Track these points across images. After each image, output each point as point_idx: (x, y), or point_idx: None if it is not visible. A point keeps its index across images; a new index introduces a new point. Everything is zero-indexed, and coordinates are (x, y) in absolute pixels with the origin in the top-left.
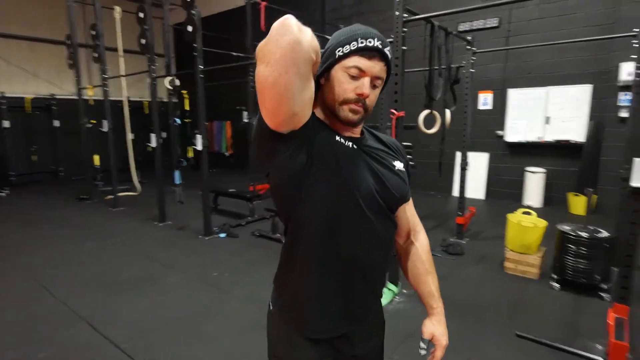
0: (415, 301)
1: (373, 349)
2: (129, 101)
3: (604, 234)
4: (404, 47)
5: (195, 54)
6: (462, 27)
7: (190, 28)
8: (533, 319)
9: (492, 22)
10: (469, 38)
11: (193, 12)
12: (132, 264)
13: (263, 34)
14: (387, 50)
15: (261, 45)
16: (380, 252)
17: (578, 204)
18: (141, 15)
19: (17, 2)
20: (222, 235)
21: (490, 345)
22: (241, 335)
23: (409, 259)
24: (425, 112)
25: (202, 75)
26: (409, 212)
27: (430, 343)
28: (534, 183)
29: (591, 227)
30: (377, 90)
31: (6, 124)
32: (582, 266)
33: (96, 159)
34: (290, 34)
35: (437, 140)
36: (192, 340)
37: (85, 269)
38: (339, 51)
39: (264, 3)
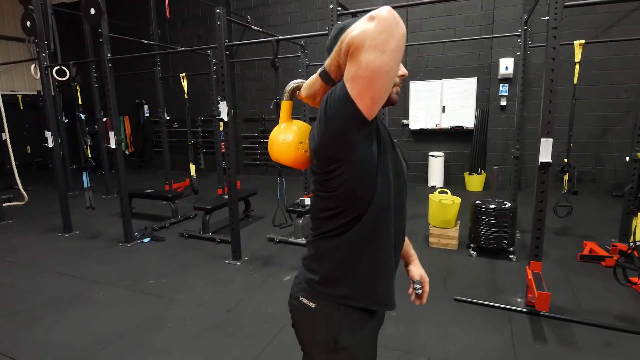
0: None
1: None
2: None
3: (508, 205)
4: None
5: (101, 40)
6: None
7: (93, 10)
8: (462, 284)
9: None
10: None
11: None
12: (44, 283)
13: (162, 23)
14: None
15: (367, 33)
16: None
17: (473, 182)
18: None
19: None
20: (146, 239)
21: (436, 311)
22: (199, 341)
23: None
24: None
25: (110, 65)
26: None
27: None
28: (436, 166)
29: (497, 200)
30: None
31: None
32: (492, 234)
33: None
34: (403, 27)
35: None
36: (147, 356)
37: None
38: None
39: None
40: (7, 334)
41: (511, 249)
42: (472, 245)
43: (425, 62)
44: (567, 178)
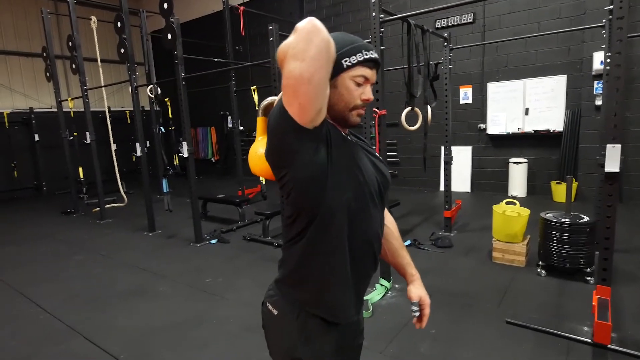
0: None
1: (362, 341)
2: (111, 111)
3: (585, 219)
4: (382, 47)
5: (176, 61)
6: (439, 23)
7: (170, 35)
8: (522, 306)
9: (468, 17)
10: (445, 35)
11: (172, 19)
12: (124, 275)
13: (243, 39)
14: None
15: (288, 44)
16: (382, 234)
17: (561, 192)
18: (119, 24)
19: None
20: (213, 241)
21: (482, 334)
22: (235, 339)
23: (385, 238)
24: (407, 109)
25: (184, 83)
26: None
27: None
28: (518, 173)
29: (573, 214)
30: None
31: None
32: (566, 252)
33: (80, 172)
34: (323, 33)
35: (420, 137)
36: (187, 347)
37: (77, 282)
38: (345, 61)
39: (242, 8)
40: (86, 317)
41: (589, 269)
42: (541, 263)
43: (505, 61)
44: None
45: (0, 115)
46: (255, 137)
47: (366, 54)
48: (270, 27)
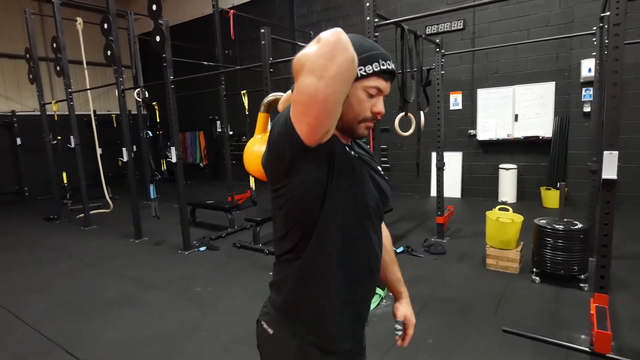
0: None
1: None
2: (97, 115)
3: (579, 225)
4: None
5: (165, 64)
6: (429, 30)
7: (158, 38)
8: (517, 314)
9: (458, 24)
10: (437, 40)
11: (161, 22)
12: (109, 284)
13: (233, 43)
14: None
15: (308, 56)
16: (381, 252)
17: (551, 197)
18: (105, 26)
19: None
20: (202, 248)
21: (479, 342)
22: (227, 352)
23: None
24: (401, 114)
25: (172, 86)
26: None
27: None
28: (508, 179)
29: (566, 220)
30: None
31: None
32: (560, 258)
33: (64, 177)
34: (348, 52)
35: (412, 142)
36: (180, 359)
37: (60, 292)
38: (360, 70)
39: (232, 11)
40: (68, 328)
41: (583, 276)
42: (535, 269)
43: (495, 67)
44: None
45: None
46: (245, 141)
47: (383, 65)
48: (262, 31)
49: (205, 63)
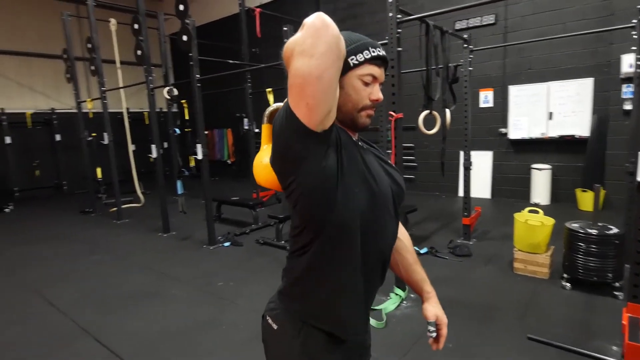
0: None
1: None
2: (130, 112)
3: (614, 230)
4: (400, 48)
5: (191, 63)
6: (459, 25)
7: (185, 37)
8: (544, 321)
9: (489, 19)
10: (465, 36)
11: (187, 21)
12: (136, 276)
13: (259, 41)
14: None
15: (295, 41)
16: (393, 245)
17: (587, 200)
18: (136, 26)
19: (10, 18)
20: (227, 244)
21: (501, 349)
22: (243, 347)
23: (398, 252)
24: (425, 112)
25: (199, 84)
26: None
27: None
28: (541, 180)
29: (600, 224)
30: None
31: (8, 139)
32: (593, 264)
33: (98, 172)
34: (333, 29)
35: (438, 141)
36: (194, 354)
37: (91, 283)
38: (352, 59)
39: (258, 10)
40: (95, 317)
41: (617, 284)
42: (566, 275)
43: (528, 63)
44: None
45: (23, 116)
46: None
47: (373, 51)
48: (285, 29)
49: (231, 61)
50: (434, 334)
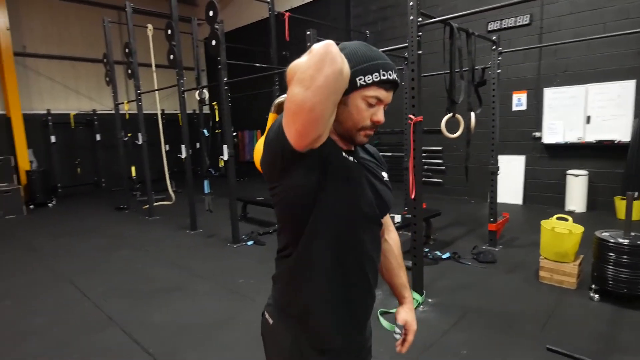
0: (439, 311)
1: None
2: (165, 114)
3: None
4: (420, 52)
5: (220, 66)
6: (492, 26)
7: (214, 42)
8: (567, 332)
9: (524, 19)
10: (493, 38)
11: (216, 26)
12: (162, 271)
13: (288, 44)
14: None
15: (298, 66)
16: (377, 255)
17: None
18: (169, 32)
19: (58, 24)
20: (250, 242)
21: (517, 359)
22: (260, 345)
23: (383, 255)
24: (448, 116)
25: (226, 87)
26: None
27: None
28: (576, 186)
29: (633, 234)
30: None
31: (53, 139)
32: (623, 276)
33: (133, 171)
34: (336, 64)
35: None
36: (212, 349)
37: (120, 275)
38: (360, 79)
39: (287, 14)
40: (122, 308)
41: None
42: (594, 286)
43: (565, 65)
44: None
45: (67, 116)
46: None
47: (383, 75)
48: (308, 33)
49: (258, 65)
50: (398, 337)
